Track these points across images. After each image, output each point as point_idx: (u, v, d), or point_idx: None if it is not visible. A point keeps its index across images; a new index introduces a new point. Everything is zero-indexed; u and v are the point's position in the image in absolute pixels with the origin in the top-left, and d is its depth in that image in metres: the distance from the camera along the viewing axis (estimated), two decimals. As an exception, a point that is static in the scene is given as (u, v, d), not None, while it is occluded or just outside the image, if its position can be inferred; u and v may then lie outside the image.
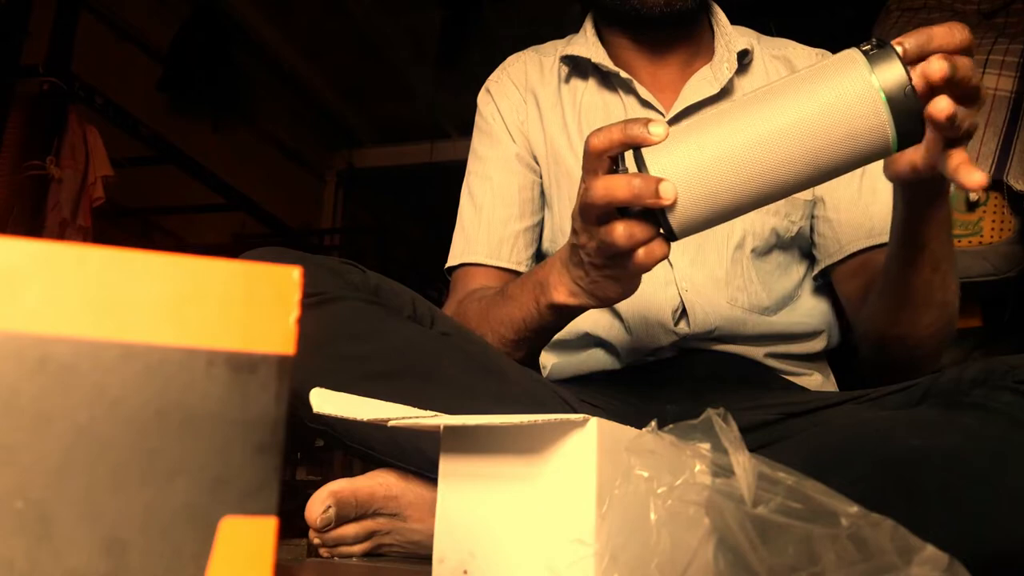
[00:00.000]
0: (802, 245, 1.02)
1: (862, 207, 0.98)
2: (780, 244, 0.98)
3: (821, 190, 0.99)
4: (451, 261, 1.06)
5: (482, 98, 1.10)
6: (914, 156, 0.69)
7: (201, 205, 3.27)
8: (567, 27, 1.13)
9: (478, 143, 1.09)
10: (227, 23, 3.40)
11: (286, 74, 3.88)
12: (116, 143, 2.57)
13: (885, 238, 0.95)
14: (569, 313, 0.80)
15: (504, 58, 1.13)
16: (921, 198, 0.74)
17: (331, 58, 3.88)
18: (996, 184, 1.50)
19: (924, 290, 0.80)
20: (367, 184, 4.56)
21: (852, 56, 0.62)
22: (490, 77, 1.12)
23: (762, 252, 0.97)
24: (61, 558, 0.25)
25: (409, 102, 4.08)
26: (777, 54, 1.05)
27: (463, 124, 4.20)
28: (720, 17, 1.04)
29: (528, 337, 0.85)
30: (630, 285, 0.74)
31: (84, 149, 2.41)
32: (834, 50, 1.06)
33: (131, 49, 3.12)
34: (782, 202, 0.97)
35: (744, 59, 1.01)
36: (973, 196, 1.50)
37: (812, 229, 1.02)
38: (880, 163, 1.00)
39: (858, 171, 0.99)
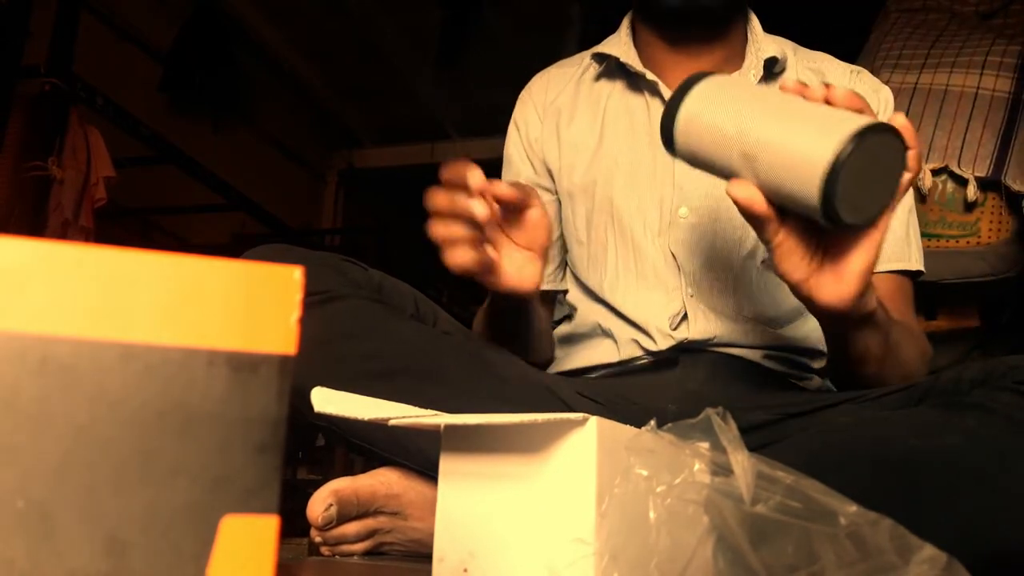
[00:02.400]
0: None
1: None
2: None
3: None
4: None
5: (511, 122, 1.12)
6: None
7: (201, 205, 3.26)
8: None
9: (504, 164, 1.12)
10: (227, 23, 3.40)
11: (286, 74, 3.88)
12: (116, 143, 2.57)
13: (888, 266, 0.95)
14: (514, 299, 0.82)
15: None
16: (847, 320, 0.73)
17: (331, 58, 3.88)
18: (994, 184, 1.50)
19: (889, 355, 0.80)
20: (367, 184, 4.56)
21: (855, 120, 0.61)
22: (519, 97, 1.13)
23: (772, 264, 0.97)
24: (62, 558, 0.25)
25: (409, 102, 4.07)
26: (812, 67, 1.03)
27: (464, 124, 4.19)
28: (755, 25, 1.02)
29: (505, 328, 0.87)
30: None
31: (86, 149, 2.41)
32: (837, 52, 1.06)
33: (131, 49, 3.11)
34: None
35: (774, 67, 0.99)
36: (971, 196, 1.50)
37: None
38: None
39: None
